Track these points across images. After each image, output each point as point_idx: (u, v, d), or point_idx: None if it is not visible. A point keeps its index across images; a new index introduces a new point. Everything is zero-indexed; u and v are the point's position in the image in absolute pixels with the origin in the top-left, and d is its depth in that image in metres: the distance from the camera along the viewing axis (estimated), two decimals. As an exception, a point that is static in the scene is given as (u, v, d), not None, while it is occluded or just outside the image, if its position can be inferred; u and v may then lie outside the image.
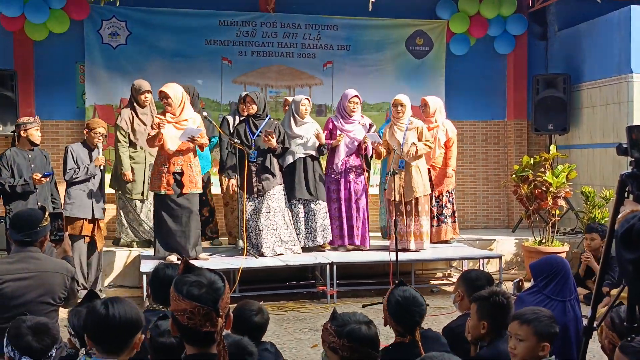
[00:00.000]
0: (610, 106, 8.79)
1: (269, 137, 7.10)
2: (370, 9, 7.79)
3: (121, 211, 7.85)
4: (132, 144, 7.67)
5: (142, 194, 7.72)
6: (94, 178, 6.81)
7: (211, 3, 9.11)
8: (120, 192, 7.72)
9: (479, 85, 9.98)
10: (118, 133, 7.66)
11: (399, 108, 7.59)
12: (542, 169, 7.96)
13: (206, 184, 7.90)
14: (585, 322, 2.95)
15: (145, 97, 7.65)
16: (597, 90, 9.05)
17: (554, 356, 3.05)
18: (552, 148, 8.40)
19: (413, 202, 7.58)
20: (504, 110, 10.20)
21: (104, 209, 7.07)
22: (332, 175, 7.69)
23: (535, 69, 10.06)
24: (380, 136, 7.74)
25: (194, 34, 9.04)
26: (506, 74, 10.16)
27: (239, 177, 7.25)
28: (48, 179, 6.44)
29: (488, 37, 9.87)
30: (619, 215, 2.32)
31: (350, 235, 7.70)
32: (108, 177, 7.74)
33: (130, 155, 7.66)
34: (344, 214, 7.66)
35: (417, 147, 7.45)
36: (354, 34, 9.54)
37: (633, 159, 2.50)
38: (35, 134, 6.45)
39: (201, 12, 9.09)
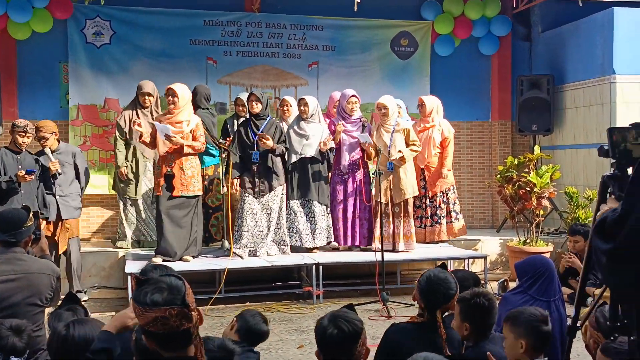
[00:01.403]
0: (593, 107, 8.86)
1: (264, 139, 7.09)
2: (355, 10, 7.80)
3: (121, 212, 7.82)
4: (127, 145, 7.64)
5: (135, 194, 7.69)
6: (55, 178, 6.72)
7: (196, 3, 9.07)
8: (121, 192, 7.69)
9: (463, 86, 10.01)
10: (117, 131, 7.67)
11: (383, 111, 7.62)
12: (526, 170, 8.01)
13: (206, 187, 7.78)
14: (569, 322, 2.97)
15: (145, 99, 7.64)
16: (581, 91, 9.12)
17: (547, 358, 3.08)
18: (536, 149, 8.46)
19: (402, 203, 7.60)
20: (488, 111, 10.25)
21: (76, 208, 6.94)
22: (339, 176, 7.69)
23: (519, 69, 10.12)
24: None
25: (179, 33, 8.99)
26: (490, 74, 10.21)
27: (235, 178, 7.23)
28: (32, 176, 6.36)
29: (472, 38, 9.91)
30: (598, 213, 2.35)
31: (355, 235, 7.68)
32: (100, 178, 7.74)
33: (126, 155, 7.64)
34: (349, 215, 7.65)
35: (403, 154, 7.47)
36: (339, 35, 9.54)
37: (614, 161, 2.53)
38: (18, 139, 6.42)
39: (186, 12, 9.05)
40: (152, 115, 7.63)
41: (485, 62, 10.17)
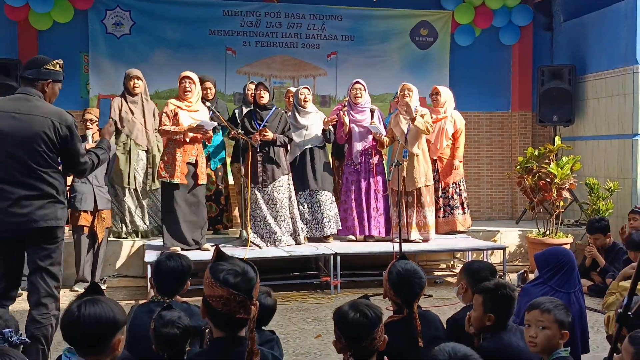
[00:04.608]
0: (615, 97, 8.75)
1: (263, 132, 7.06)
2: (374, 0, 7.76)
3: (114, 201, 7.79)
4: (118, 132, 7.59)
5: (129, 183, 7.63)
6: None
7: (215, -7, 9.10)
8: (115, 181, 7.68)
9: (483, 76, 9.95)
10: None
11: (406, 92, 7.56)
12: (547, 161, 7.94)
13: (224, 174, 7.92)
14: (588, 312, 2.96)
15: (134, 84, 7.56)
16: (603, 82, 9.01)
17: (569, 349, 3.07)
18: (557, 139, 8.38)
19: (415, 193, 7.58)
20: (508, 102, 10.17)
21: (109, 199, 7.08)
22: (352, 167, 7.67)
23: (541, 60, 10.03)
24: (385, 126, 7.75)
25: (198, 24, 9.03)
26: (511, 65, 10.12)
27: (242, 166, 7.26)
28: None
29: (493, 28, 9.84)
30: None
31: (371, 225, 7.67)
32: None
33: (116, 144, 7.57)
34: (364, 205, 7.64)
35: (416, 117, 7.38)
36: (358, 25, 9.51)
37: None
38: None
39: (205, 2, 9.08)
40: (142, 102, 7.59)
41: (505, 52, 10.09)
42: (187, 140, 6.81)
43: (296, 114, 7.55)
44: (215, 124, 7.07)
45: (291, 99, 7.85)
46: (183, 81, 6.93)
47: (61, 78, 4.20)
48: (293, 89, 8.04)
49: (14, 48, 8.52)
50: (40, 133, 3.94)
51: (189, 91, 6.91)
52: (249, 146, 7.18)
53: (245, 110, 7.80)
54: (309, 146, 7.50)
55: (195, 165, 6.92)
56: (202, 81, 7.69)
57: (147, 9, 8.88)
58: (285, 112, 7.71)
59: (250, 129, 7.23)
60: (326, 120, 7.55)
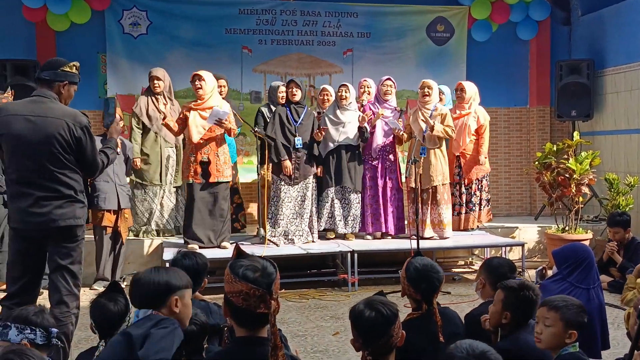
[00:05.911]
0: (635, 92, 8.65)
1: (321, 132, 7.23)
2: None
3: (135, 199, 7.79)
4: (146, 130, 7.65)
5: (161, 181, 7.70)
6: (114, 167, 6.81)
7: (231, -8, 9.12)
8: (137, 179, 7.73)
9: (501, 71, 9.88)
10: (132, 119, 7.67)
11: (426, 90, 7.54)
12: (565, 156, 7.88)
13: (237, 172, 7.95)
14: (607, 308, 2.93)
15: (155, 83, 7.61)
16: (622, 76, 8.91)
17: (577, 344, 3.03)
18: (576, 135, 8.30)
19: (431, 190, 7.55)
20: (526, 97, 10.09)
21: (130, 197, 7.11)
22: (370, 161, 7.66)
23: (559, 54, 9.94)
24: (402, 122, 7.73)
25: (214, 23, 9.06)
26: (529, 60, 10.04)
27: (260, 165, 7.31)
28: None
29: (510, 23, 9.76)
30: None
31: (386, 222, 7.66)
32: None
33: (144, 142, 7.64)
34: (380, 201, 7.63)
35: (435, 125, 7.38)
36: (374, 21, 9.49)
37: None
38: None
39: (221, 1, 9.11)
40: (166, 100, 7.60)
41: (523, 47, 10.01)
42: (165, 121, 6.91)
43: (337, 109, 7.54)
44: (229, 111, 7.00)
45: (325, 97, 7.77)
46: (193, 79, 6.99)
47: (77, 80, 4.24)
48: (328, 87, 7.93)
49: (32, 49, 8.60)
50: (55, 135, 3.96)
51: (200, 88, 6.94)
52: (266, 145, 7.20)
53: (273, 109, 7.74)
54: (344, 143, 7.48)
55: (208, 163, 6.95)
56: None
57: (163, 9, 8.92)
58: (320, 111, 7.71)
59: (287, 123, 7.27)
60: (361, 117, 7.46)
